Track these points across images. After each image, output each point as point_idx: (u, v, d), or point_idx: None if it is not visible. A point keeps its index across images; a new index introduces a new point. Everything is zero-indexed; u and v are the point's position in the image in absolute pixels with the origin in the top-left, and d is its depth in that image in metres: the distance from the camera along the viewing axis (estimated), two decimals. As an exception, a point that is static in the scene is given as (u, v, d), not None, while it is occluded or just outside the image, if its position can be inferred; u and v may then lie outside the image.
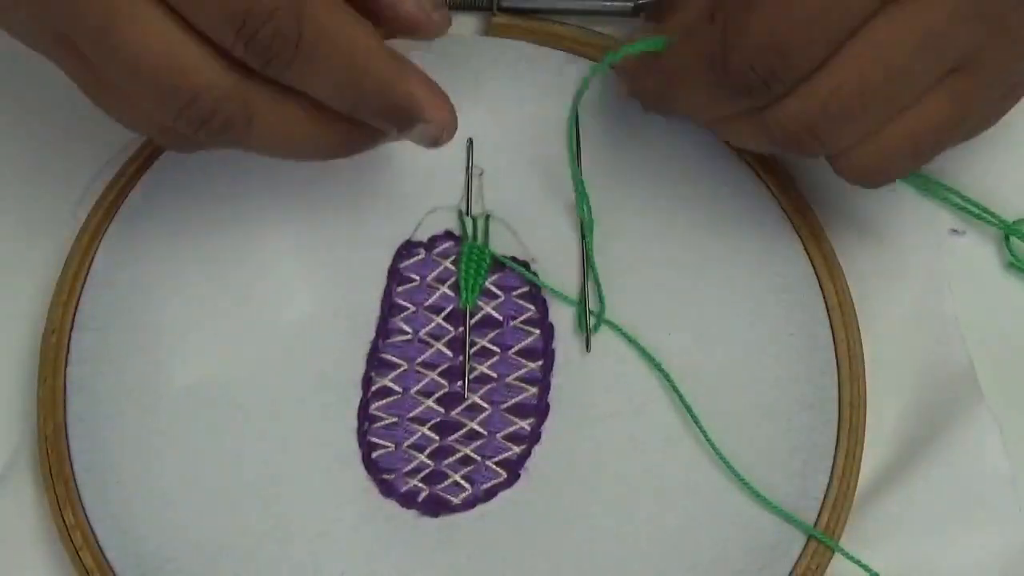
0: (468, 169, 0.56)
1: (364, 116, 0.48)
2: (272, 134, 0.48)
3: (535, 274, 0.55)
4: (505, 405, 0.54)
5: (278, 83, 0.47)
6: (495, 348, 0.55)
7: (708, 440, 0.53)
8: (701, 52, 0.48)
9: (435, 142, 0.50)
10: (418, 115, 0.49)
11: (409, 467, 0.54)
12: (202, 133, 0.47)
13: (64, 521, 0.53)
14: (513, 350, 0.55)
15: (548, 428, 0.54)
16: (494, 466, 0.54)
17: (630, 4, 0.59)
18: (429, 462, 0.54)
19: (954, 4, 0.47)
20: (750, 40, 0.47)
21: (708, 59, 0.48)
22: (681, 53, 0.50)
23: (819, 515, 0.53)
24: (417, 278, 0.56)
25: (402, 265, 0.56)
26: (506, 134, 0.57)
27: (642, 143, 0.57)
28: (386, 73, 0.47)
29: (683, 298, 0.55)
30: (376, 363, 0.55)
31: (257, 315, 0.55)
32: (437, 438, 0.54)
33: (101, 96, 0.49)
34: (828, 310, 0.55)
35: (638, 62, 0.52)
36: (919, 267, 0.57)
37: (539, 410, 0.54)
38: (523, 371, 0.55)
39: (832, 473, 0.53)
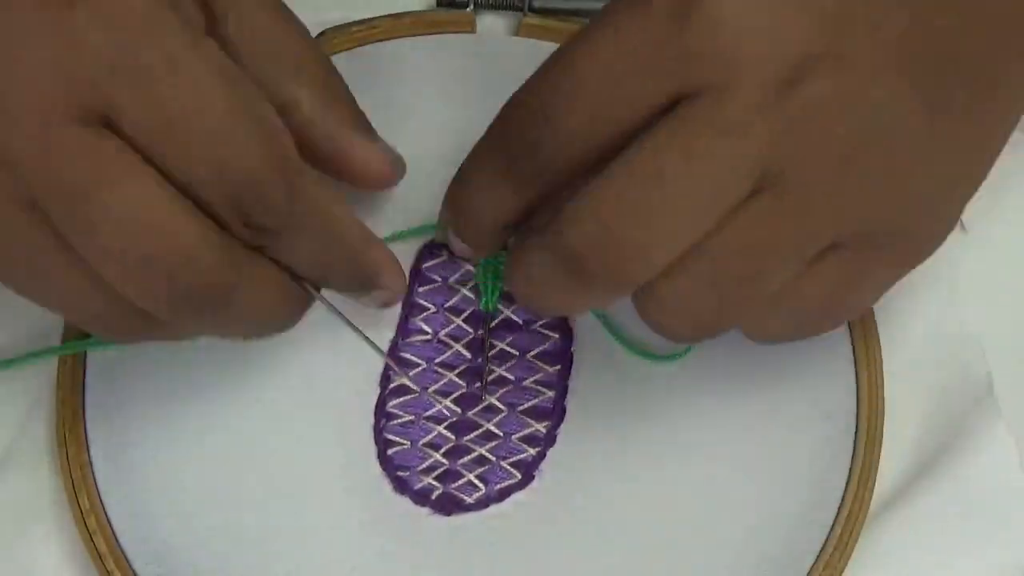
0: (493, 169, 0.56)
1: (332, 283, 0.49)
2: (249, 307, 0.46)
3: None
4: (522, 407, 0.55)
5: (256, 257, 0.46)
6: (513, 351, 0.55)
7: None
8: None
9: (385, 305, 0.51)
10: (377, 283, 0.50)
11: (424, 465, 0.54)
12: (180, 305, 0.44)
13: (79, 506, 0.53)
14: (531, 353, 0.55)
15: (564, 431, 0.54)
16: (508, 467, 0.54)
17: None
18: (444, 461, 0.54)
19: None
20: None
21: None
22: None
23: (832, 526, 0.53)
24: (439, 279, 0.56)
25: (424, 266, 0.56)
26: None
27: None
28: (358, 242, 0.48)
29: None
30: (395, 361, 0.55)
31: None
32: (453, 437, 0.54)
33: (36, 272, 0.46)
34: (848, 322, 0.55)
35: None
36: (939, 280, 0.57)
37: (555, 413, 0.54)
38: (541, 375, 0.55)
39: (847, 484, 0.53)
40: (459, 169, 0.49)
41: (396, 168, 0.53)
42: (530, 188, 0.47)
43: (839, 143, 0.44)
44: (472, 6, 0.58)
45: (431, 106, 0.57)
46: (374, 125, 0.56)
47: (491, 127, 0.48)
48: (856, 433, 0.54)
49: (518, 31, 0.58)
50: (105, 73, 0.41)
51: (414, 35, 0.57)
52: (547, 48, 0.56)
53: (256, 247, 0.46)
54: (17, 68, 0.42)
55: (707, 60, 0.43)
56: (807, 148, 0.43)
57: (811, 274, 0.46)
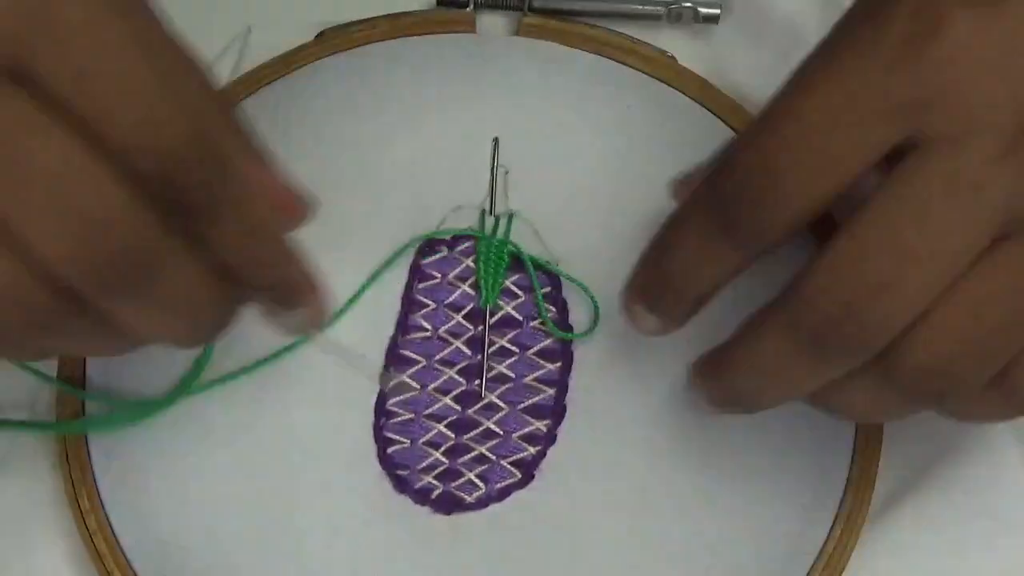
0: (493, 168, 0.56)
1: (259, 282, 0.45)
2: (174, 292, 0.42)
3: (557, 276, 0.55)
4: (522, 405, 0.54)
5: (185, 242, 0.42)
6: (514, 348, 0.55)
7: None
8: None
9: (305, 331, 0.48)
10: (305, 298, 0.47)
11: (424, 464, 0.54)
12: (99, 280, 0.40)
13: (79, 506, 0.53)
14: (532, 351, 0.55)
15: (564, 430, 0.54)
16: (509, 466, 0.54)
17: (661, 9, 0.59)
18: (444, 459, 0.54)
19: None
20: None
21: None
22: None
23: (832, 526, 0.53)
24: (438, 275, 0.56)
25: (424, 262, 0.56)
26: (533, 134, 0.57)
27: None
28: (288, 248, 0.45)
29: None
30: (394, 358, 0.55)
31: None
32: (453, 436, 0.54)
33: None
34: None
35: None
36: None
37: (556, 412, 0.54)
38: (541, 372, 0.55)
39: (847, 484, 0.53)
40: (659, 235, 0.48)
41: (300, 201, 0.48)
42: (749, 249, 0.45)
43: None
44: (472, 6, 0.59)
45: (431, 106, 0.57)
46: (373, 126, 0.56)
47: (700, 188, 0.46)
48: (856, 432, 0.54)
49: (518, 31, 0.58)
50: (23, 24, 0.39)
51: (414, 35, 0.57)
52: (547, 48, 0.57)
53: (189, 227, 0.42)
54: None
55: (941, 106, 0.41)
56: None
57: None
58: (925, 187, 0.41)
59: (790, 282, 0.44)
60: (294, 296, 0.47)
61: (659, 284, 0.48)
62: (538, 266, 0.55)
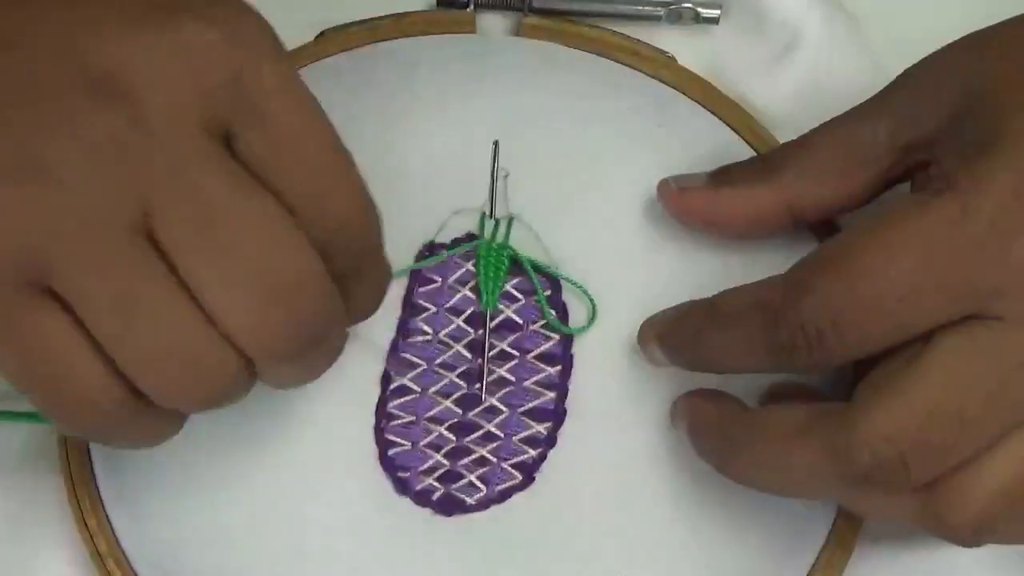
0: (493, 171, 0.56)
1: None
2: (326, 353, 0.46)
3: (557, 281, 0.55)
4: (522, 408, 0.55)
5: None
6: (514, 352, 0.55)
7: None
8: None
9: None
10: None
11: (425, 466, 0.54)
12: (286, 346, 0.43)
13: (80, 507, 0.53)
14: (532, 354, 0.55)
15: (564, 433, 0.54)
16: (510, 468, 0.54)
17: (661, 9, 0.59)
18: (445, 462, 0.54)
19: None
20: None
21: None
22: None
23: (833, 525, 0.53)
24: (439, 279, 0.56)
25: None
26: (533, 136, 0.56)
27: None
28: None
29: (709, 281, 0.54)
30: (395, 362, 0.55)
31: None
32: (453, 438, 0.54)
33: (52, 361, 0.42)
34: None
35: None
36: None
37: (556, 414, 0.54)
38: (541, 375, 0.55)
39: None
40: (706, 307, 0.50)
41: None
42: (785, 368, 0.47)
43: None
44: (472, 6, 0.58)
45: (431, 106, 0.56)
46: (374, 126, 0.56)
47: (767, 295, 0.47)
48: None
49: (518, 31, 0.58)
50: (229, 90, 0.41)
51: (414, 35, 0.57)
52: (547, 48, 0.57)
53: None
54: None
55: (1016, 290, 0.43)
56: None
57: None
58: (979, 352, 0.44)
59: (834, 393, 0.48)
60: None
61: (688, 348, 0.50)
62: (537, 269, 0.55)
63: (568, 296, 0.55)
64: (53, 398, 0.42)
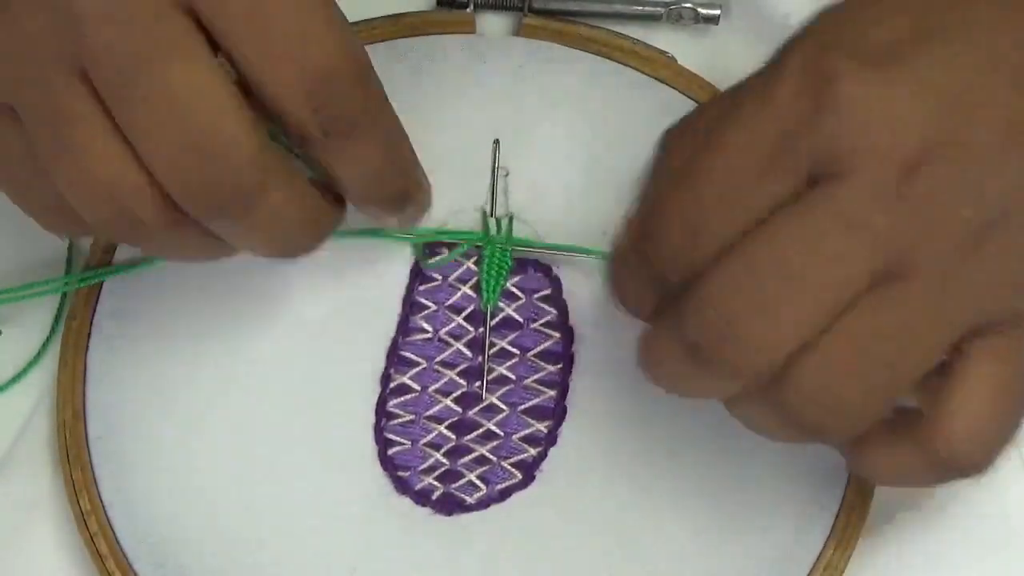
0: (494, 170, 0.56)
1: (380, 194, 0.49)
2: (272, 219, 0.46)
3: (557, 279, 0.55)
4: (522, 407, 0.54)
5: (294, 170, 0.46)
6: (514, 350, 0.55)
7: None
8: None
9: (415, 221, 0.53)
10: (414, 199, 0.51)
11: (424, 465, 0.54)
12: (210, 195, 0.44)
13: (80, 507, 0.53)
14: (532, 352, 0.55)
15: (565, 431, 0.54)
16: (510, 467, 0.54)
17: (661, 9, 0.59)
18: (445, 461, 0.54)
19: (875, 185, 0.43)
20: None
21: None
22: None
23: (833, 526, 0.53)
24: (439, 277, 0.56)
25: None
26: (533, 135, 0.56)
27: None
28: (411, 154, 0.50)
29: None
30: (395, 360, 0.55)
31: (279, 309, 0.55)
32: (453, 437, 0.54)
33: (67, 145, 0.44)
34: None
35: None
36: None
37: (556, 413, 0.54)
38: (542, 374, 0.55)
39: (848, 483, 0.53)
40: (607, 262, 0.49)
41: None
42: (668, 279, 0.46)
43: (964, 228, 0.43)
44: (472, 6, 0.58)
45: (432, 106, 0.57)
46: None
47: (629, 226, 0.47)
48: None
49: (518, 31, 0.58)
50: None
51: (414, 35, 0.57)
52: (547, 48, 0.57)
53: (311, 155, 0.46)
54: None
55: (832, 149, 0.42)
56: (932, 234, 0.42)
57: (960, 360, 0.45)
58: (807, 220, 0.42)
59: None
60: (407, 199, 0.51)
61: (616, 299, 0.49)
62: (538, 267, 0.55)
63: (569, 295, 0.55)
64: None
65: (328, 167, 0.47)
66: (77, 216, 0.45)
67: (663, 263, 0.45)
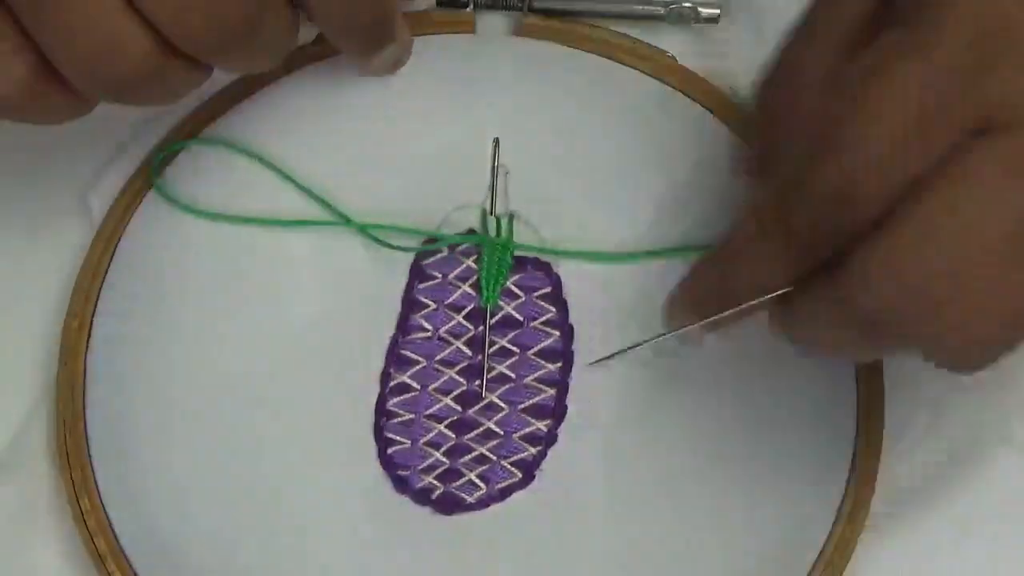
0: (494, 168, 0.56)
1: (353, 29, 0.51)
2: (267, 41, 0.48)
3: (557, 276, 0.55)
4: (522, 406, 0.54)
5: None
6: (514, 348, 0.55)
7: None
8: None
9: (396, 66, 0.54)
10: (394, 31, 0.53)
11: (424, 464, 0.54)
12: (224, 38, 0.46)
13: (80, 507, 0.53)
14: (532, 351, 0.55)
15: (565, 430, 0.54)
16: (509, 466, 0.54)
17: (661, 9, 0.59)
18: (444, 460, 0.54)
19: None
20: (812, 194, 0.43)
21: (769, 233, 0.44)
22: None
23: (833, 526, 0.53)
24: (439, 275, 0.56)
25: (425, 262, 0.56)
26: (533, 134, 0.57)
27: None
28: None
29: None
30: (395, 359, 0.55)
31: (278, 308, 0.55)
32: (453, 436, 0.54)
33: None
34: None
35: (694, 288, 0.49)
36: None
37: (556, 412, 0.54)
38: (542, 372, 0.55)
39: (848, 483, 0.53)
40: (720, 249, 0.47)
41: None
42: (814, 256, 0.44)
43: None
44: (472, 6, 0.59)
45: (431, 106, 0.57)
46: (374, 124, 0.56)
47: (758, 202, 0.45)
48: (857, 432, 0.54)
49: (518, 31, 0.58)
50: None
51: (414, 35, 0.57)
52: (547, 48, 0.57)
53: None
54: None
55: (1003, 105, 0.41)
56: None
57: None
58: (979, 174, 0.41)
59: None
60: (385, 36, 0.53)
61: (717, 295, 0.47)
62: (538, 265, 0.55)
63: (568, 294, 0.55)
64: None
65: None
66: (57, 84, 0.46)
67: (816, 236, 0.43)
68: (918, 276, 0.41)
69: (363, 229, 0.55)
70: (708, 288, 0.48)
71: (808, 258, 0.43)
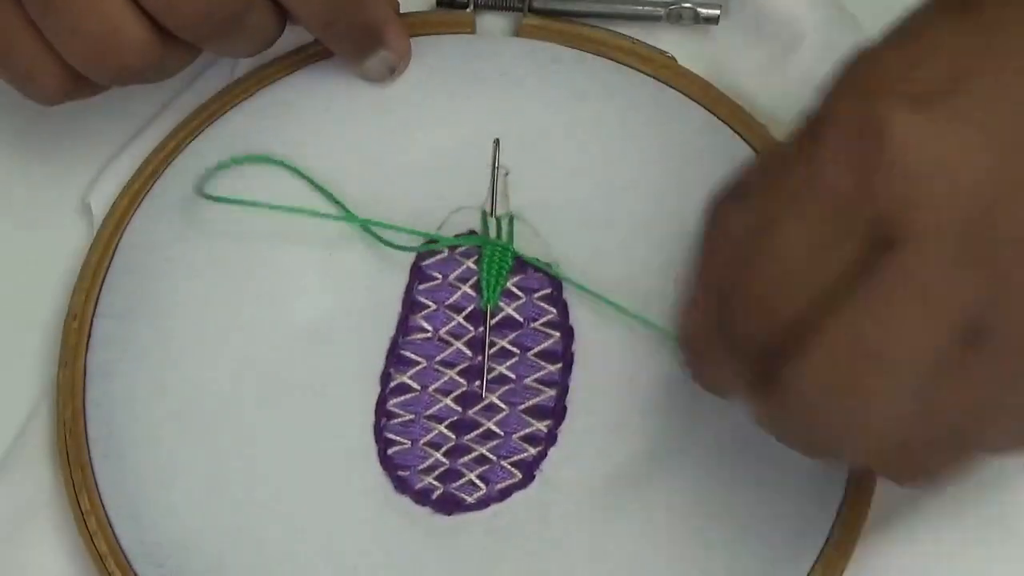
0: (494, 169, 0.56)
1: (336, 32, 0.52)
2: (254, 31, 0.51)
3: (558, 278, 0.55)
4: (522, 406, 0.54)
5: None
6: (514, 349, 0.55)
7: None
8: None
9: (391, 72, 0.54)
10: (383, 37, 0.53)
11: (424, 464, 0.54)
12: (213, 28, 0.49)
13: (80, 507, 0.53)
14: (532, 352, 0.55)
15: (565, 431, 0.54)
16: (509, 466, 0.54)
17: (661, 9, 0.59)
18: (444, 460, 0.54)
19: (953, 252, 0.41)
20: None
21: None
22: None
23: (833, 526, 0.53)
24: (439, 276, 0.56)
25: (425, 263, 0.56)
26: (533, 135, 0.57)
27: None
28: None
29: None
30: (395, 359, 0.55)
31: (278, 308, 0.55)
32: (453, 436, 0.54)
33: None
34: None
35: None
36: None
37: (556, 412, 0.54)
38: (542, 373, 0.55)
39: (848, 483, 0.53)
40: (681, 337, 0.48)
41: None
42: (749, 357, 0.45)
43: None
44: (472, 6, 0.59)
45: (432, 106, 0.57)
46: (374, 125, 0.56)
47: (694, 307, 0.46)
48: None
49: (518, 31, 0.58)
50: None
51: (414, 35, 0.57)
52: (547, 48, 0.57)
53: None
54: None
55: (892, 213, 0.41)
56: (1014, 291, 0.41)
57: None
58: (886, 292, 0.41)
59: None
60: (375, 39, 0.53)
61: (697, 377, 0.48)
62: (539, 270, 0.55)
63: (569, 294, 0.55)
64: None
65: None
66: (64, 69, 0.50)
67: (742, 343, 0.44)
68: (826, 392, 0.42)
69: (364, 224, 0.55)
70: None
71: (746, 369, 0.44)
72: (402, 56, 0.55)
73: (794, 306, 0.42)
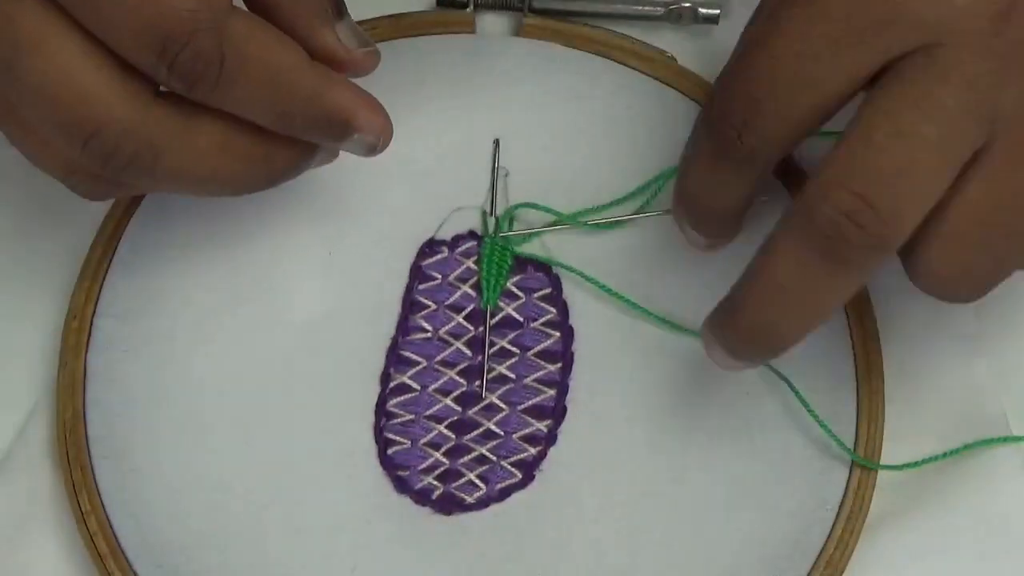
0: (494, 169, 0.56)
1: (296, 131, 0.48)
2: (181, 168, 0.47)
3: (557, 278, 0.55)
4: (522, 406, 0.54)
5: (187, 114, 0.46)
6: (514, 349, 0.55)
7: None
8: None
9: (373, 149, 0.49)
10: (350, 123, 0.48)
11: (424, 464, 0.54)
12: (109, 169, 0.45)
13: (80, 507, 0.53)
14: (532, 351, 0.55)
15: (565, 430, 0.54)
16: (509, 466, 0.54)
17: (661, 9, 0.59)
18: (444, 460, 0.54)
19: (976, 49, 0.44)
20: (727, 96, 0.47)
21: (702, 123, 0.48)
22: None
23: (833, 526, 0.53)
24: (439, 276, 0.56)
25: (424, 263, 0.56)
26: (533, 135, 0.57)
27: None
28: (312, 85, 0.47)
29: (711, 279, 0.54)
30: (395, 359, 0.55)
31: (278, 308, 0.55)
32: (453, 436, 0.54)
33: (11, 129, 0.47)
34: (849, 320, 0.55)
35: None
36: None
37: (556, 412, 0.54)
38: (541, 373, 0.55)
39: (848, 483, 0.53)
40: (680, 160, 0.51)
41: (365, 55, 0.49)
42: (745, 171, 0.47)
43: None
44: (472, 6, 0.59)
45: (431, 106, 0.57)
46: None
47: (700, 115, 0.49)
48: (856, 435, 0.54)
49: (518, 31, 0.58)
50: None
51: (414, 35, 0.57)
52: (547, 48, 0.57)
53: (204, 104, 0.46)
54: None
55: (914, 22, 0.44)
56: None
57: None
58: (916, 86, 0.44)
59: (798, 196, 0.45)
60: (340, 130, 0.48)
61: (688, 203, 0.51)
62: (539, 265, 0.55)
63: (569, 294, 0.55)
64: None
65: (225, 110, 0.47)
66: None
67: (730, 139, 0.47)
68: (865, 182, 0.44)
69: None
70: (680, 196, 0.51)
71: (745, 174, 0.47)
72: (380, 133, 0.49)
73: (794, 110, 0.45)
